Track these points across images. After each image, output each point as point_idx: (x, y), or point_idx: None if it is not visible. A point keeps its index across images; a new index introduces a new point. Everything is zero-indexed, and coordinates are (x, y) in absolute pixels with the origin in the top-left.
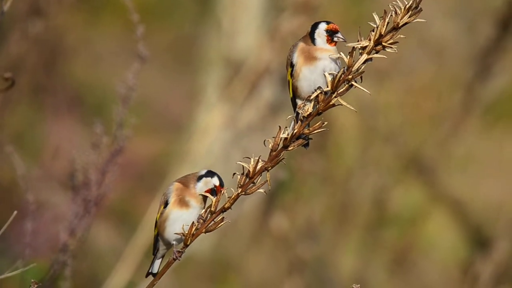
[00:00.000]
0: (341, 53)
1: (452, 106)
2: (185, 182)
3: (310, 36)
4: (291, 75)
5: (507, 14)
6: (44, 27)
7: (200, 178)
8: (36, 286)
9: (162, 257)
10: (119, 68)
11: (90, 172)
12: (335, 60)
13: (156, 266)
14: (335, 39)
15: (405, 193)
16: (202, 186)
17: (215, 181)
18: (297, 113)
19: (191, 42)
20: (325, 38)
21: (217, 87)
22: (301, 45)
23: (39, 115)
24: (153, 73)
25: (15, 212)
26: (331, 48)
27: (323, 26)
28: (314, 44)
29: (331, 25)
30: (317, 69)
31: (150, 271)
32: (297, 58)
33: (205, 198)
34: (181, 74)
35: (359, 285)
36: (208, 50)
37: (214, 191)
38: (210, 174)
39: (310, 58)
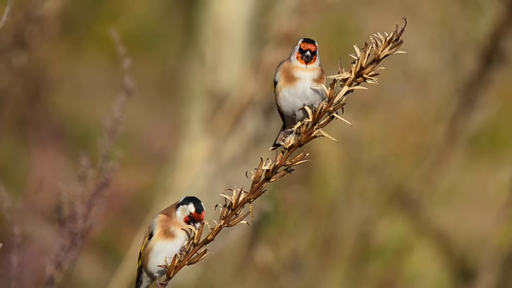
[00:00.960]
0: (322, 85)
1: (436, 138)
2: (168, 212)
3: (292, 52)
4: (275, 91)
5: (490, 46)
6: (27, 59)
7: (178, 206)
8: None
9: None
10: (103, 100)
11: (76, 204)
12: (315, 81)
13: None
14: (303, 58)
15: (390, 226)
16: (180, 214)
17: (190, 208)
18: (283, 127)
19: (174, 74)
20: (296, 54)
21: (201, 119)
22: (284, 64)
23: (23, 147)
24: (137, 106)
25: (0, 245)
26: (308, 66)
27: (299, 43)
28: (291, 60)
29: (303, 44)
30: (296, 91)
31: None
32: (279, 77)
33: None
34: (165, 106)
35: None
36: (192, 82)
37: (192, 218)
38: (187, 201)
39: (290, 78)
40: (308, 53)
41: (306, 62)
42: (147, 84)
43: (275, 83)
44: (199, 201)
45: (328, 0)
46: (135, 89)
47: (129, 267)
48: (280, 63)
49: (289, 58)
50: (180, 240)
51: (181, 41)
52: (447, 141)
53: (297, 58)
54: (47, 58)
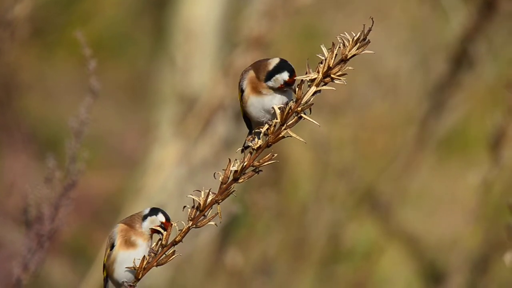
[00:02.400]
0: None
1: (405, 141)
2: (129, 222)
3: (267, 74)
4: (241, 99)
5: (459, 50)
6: None
7: (145, 217)
8: None
9: None
10: (73, 104)
11: (43, 206)
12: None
13: None
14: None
15: (360, 229)
16: (148, 225)
17: (160, 218)
18: (250, 131)
19: (145, 78)
20: (279, 86)
21: (171, 123)
22: (251, 74)
23: None
24: (108, 109)
25: None
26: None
27: (285, 76)
28: (265, 82)
29: (291, 80)
30: (264, 100)
31: None
32: (245, 86)
33: (152, 235)
34: (135, 110)
35: None
36: (162, 86)
37: (163, 227)
38: (155, 211)
39: (257, 91)
40: (294, 87)
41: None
42: (117, 87)
43: (242, 91)
44: (165, 211)
45: (297, 3)
46: (100, 90)
47: (100, 271)
48: (245, 72)
49: (254, 69)
50: (142, 248)
51: (152, 45)
52: (417, 143)
53: (279, 89)
54: (17, 62)
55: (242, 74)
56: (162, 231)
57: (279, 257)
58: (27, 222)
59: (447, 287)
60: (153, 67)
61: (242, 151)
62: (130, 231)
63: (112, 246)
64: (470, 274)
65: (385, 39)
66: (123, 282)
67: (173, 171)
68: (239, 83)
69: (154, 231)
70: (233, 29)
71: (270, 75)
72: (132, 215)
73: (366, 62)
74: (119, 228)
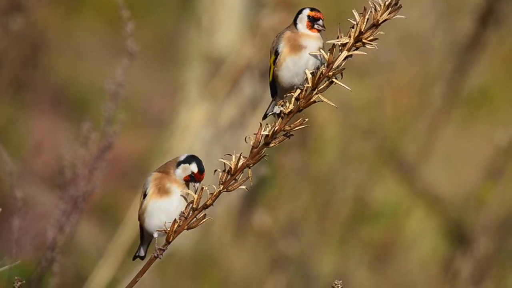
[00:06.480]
0: (321, 50)
1: (431, 101)
2: (165, 169)
3: (294, 21)
4: (274, 62)
5: (485, 9)
6: (24, 23)
7: (179, 164)
8: (19, 283)
9: (149, 243)
10: (100, 64)
11: (78, 168)
12: (319, 51)
13: (143, 250)
14: (316, 26)
15: (386, 189)
16: (181, 172)
17: (193, 167)
18: (275, 98)
19: (172, 39)
20: (306, 23)
21: (198, 84)
22: (287, 33)
23: (21, 111)
24: (135, 70)
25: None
26: (313, 34)
27: (306, 12)
28: (297, 29)
29: (313, 12)
30: (301, 60)
31: (137, 254)
32: (283, 47)
33: (187, 183)
34: (163, 71)
35: (340, 281)
36: (189, 47)
37: (193, 178)
38: (189, 159)
39: (296, 47)
40: (321, 22)
41: (319, 31)
42: (145, 48)
43: (276, 54)
44: (201, 161)
45: None
46: (137, 52)
47: (128, 231)
48: (281, 34)
49: (291, 27)
50: (176, 196)
51: (179, 5)
52: (443, 103)
53: (307, 27)
54: (44, 21)
55: (276, 38)
56: (191, 192)
57: (306, 218)
58: (61, 185)
59: (473, 247)
60: (180, 27)
61: (264, 118)
62: (164, 178)
63: (144, 195)
64: (496, 234)
65: None
66: (153, 235)
67: (200, 132)
68: (274, 46)
69: (187, 180)
70: None
71: (298, 13)
72: (168, 161)
73: (390, 22)
74: (153, 176)
